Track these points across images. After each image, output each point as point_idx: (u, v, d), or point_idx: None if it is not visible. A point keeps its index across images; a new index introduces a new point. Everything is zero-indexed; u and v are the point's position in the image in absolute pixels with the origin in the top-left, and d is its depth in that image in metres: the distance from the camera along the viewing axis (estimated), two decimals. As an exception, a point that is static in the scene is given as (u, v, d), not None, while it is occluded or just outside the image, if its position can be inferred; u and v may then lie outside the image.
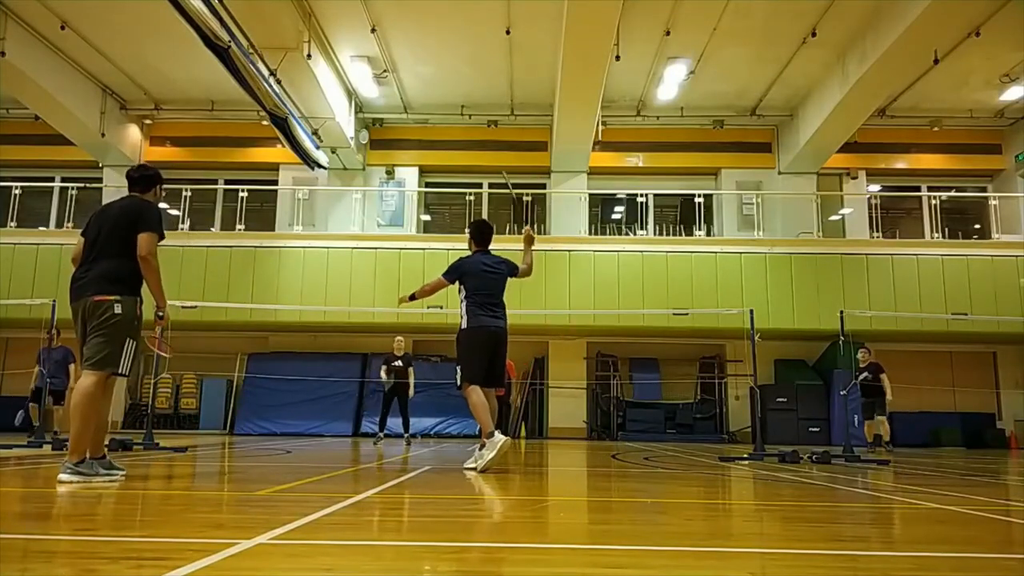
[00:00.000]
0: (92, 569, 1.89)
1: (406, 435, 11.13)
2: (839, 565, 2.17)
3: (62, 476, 3.91)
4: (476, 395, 5.42)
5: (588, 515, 3.32)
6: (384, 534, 2.69)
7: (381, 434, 11.25)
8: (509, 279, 5.91)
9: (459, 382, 5.55)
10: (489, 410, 5.47)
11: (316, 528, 2.59)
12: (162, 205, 16.62)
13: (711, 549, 2.40)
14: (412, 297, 6.00)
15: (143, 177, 4.43)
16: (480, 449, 5.40)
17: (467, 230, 6.13)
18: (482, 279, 5.72)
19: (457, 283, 5.79)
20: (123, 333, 4.07)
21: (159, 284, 4.23)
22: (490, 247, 6.02)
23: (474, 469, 5.32)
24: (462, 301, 5.72)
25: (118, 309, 4.03)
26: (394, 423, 11.40)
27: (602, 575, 1.98)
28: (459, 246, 14.32)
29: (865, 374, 11.07)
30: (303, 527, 2.57)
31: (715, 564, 2.16)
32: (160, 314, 4.35)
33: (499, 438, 5.25)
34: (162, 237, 4.25)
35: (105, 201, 15.53)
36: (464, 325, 5.62)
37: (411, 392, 11.07)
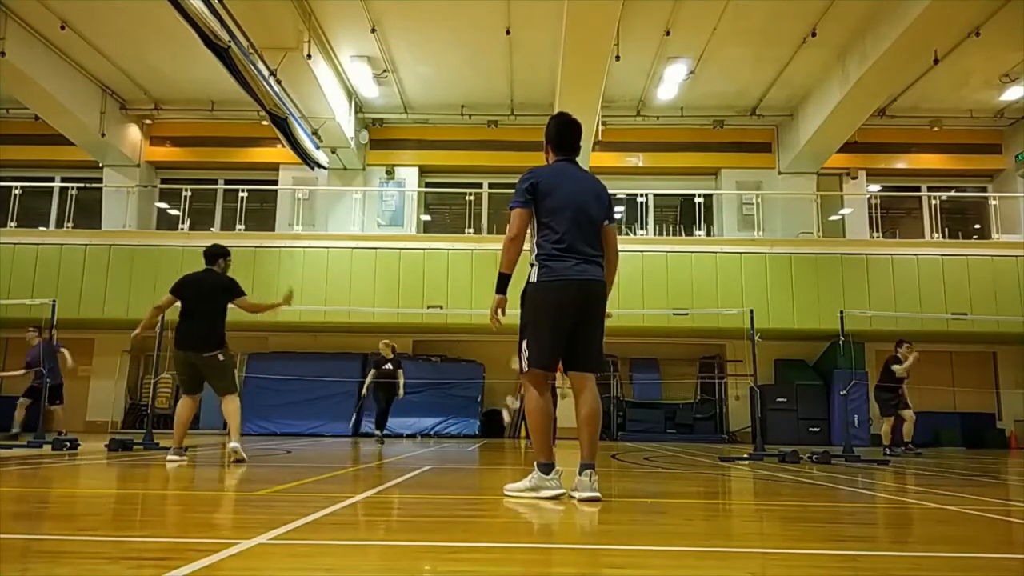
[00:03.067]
0: (92, 569, 1.89)
1: (379, 433, 11.39)
2: (839, 565, 2.17)
3: (233, 446, 5.85)
4: (535, 394, 3.61)
5: (588, 515, 3.32)
6: (384, 534, 2.69)
7: (379, 433, 11.42)
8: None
9: (524, 366, 3.64)
10: (592, 416, 3.57)
11: (316, 528, 2.59)
12: (162, 204, 16.88)
13: (711, 549, 2.40)
14: (503, 283, 3.67)
15: (210, 255, 6.31)
16: (534, 473, 3.63)
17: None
18: (567, 199, 3.65)
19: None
20: (230, 369, 6.18)
21: (265, 307, 6.65)
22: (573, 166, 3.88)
23: (532, 496, 3.61)
24: (532, 239, 3.74)
25: (221, 358, 6.07)
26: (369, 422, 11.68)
27: (602, 575, 1.98)
28: (459, 246, 14.38)
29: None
30: (303, 527, 2.57)
31: (715, 564, 2.16)
32: (285, 303, 6.55)
33: (550, 483, 3.54)
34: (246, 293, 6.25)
35: (104, 201, 15.81)
36: (533, 277, 3.63)
37: (401, 393, 11.35)
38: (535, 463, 3.64)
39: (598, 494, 3.44)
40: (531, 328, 3.63)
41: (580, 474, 3.48)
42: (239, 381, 15.06)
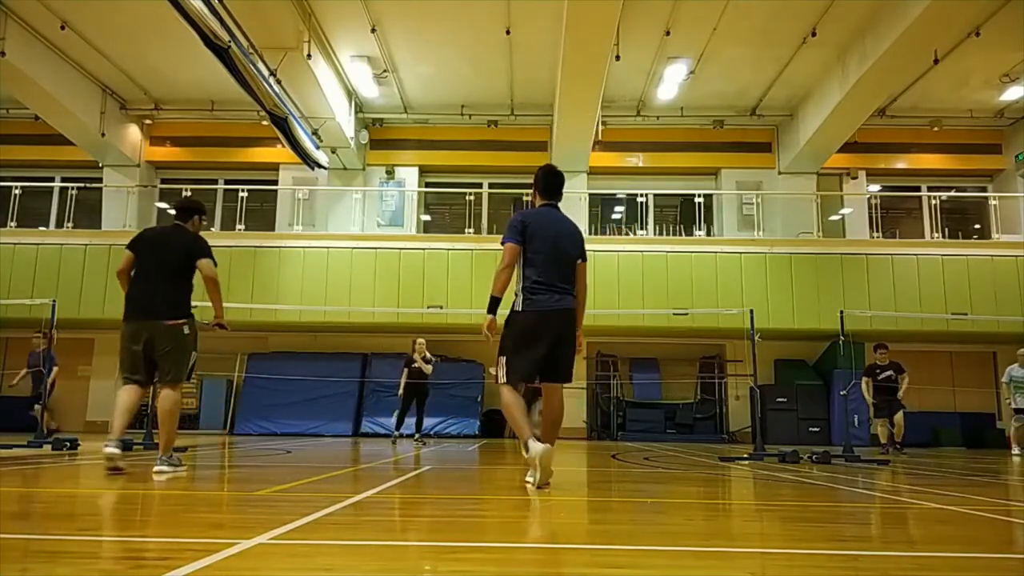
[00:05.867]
0: (92, 569, 1.89)
1: (417, 435, 11.29)
2: (839, 565, 2.17)
3: (161, 468, 4.64)
4: (508, 393, 4.20)
5: (588, 515, 3.32)
6: (384, 534, 2.69)
7: (397, 434, 11.36)
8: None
9: (501, 379, 4.24)
10: (555, 421, 4.33)
11: (316, 528, 2.59)
12: (162, 204, 16.87)
13: (711, 549, 2.40)
14: (493, 305, 4.31)
15: (183, 209, 5.22)
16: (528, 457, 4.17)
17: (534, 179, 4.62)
18: (551, 241, 4.31)
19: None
20: (190, 349, 4.87)
21: (221, 299, 5.03)
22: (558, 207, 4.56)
23: (533, 483, 4.09)
24: (518, 272, 4.34)
25: (187, 331, 4.81)
26: (407, 423, 11.54)
27: (602, 575, 1.98)
28: (459, 246, 14.37)
29: (889, 372, 11.05)
30: (303, 527, 2.57)
31: (715, 564, 2.16)
32: (222, 324, 5.09)
33: (535, 449, 3.96)
34: (215, 263, 5.00)
35: (104, 201, 15.80)
36: (518, 306, 4.26)
37: (428, 369, 11.16)
38: (524, 451, 4.07)
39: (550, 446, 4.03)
40: (511, 349, 4.23)
41: (532, 439, 4.04)
42: (239, 382, 15.23)
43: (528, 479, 4.19)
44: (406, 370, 11.18)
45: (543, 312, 4.19)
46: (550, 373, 4.30)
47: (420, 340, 11.49)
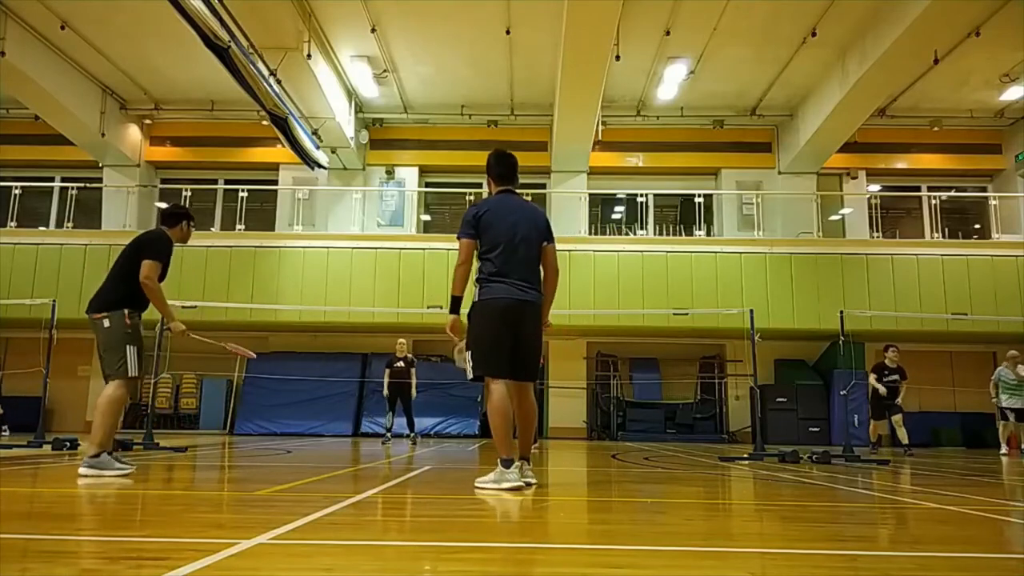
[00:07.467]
0: (92, 569, 1.89)
1: (410, 435, 11.32)
2: (839, 565, 2.17)
3: (83, 470, 4.41)
4: (495, 397, 4.03)
5: (588, 515, 3.32)
6: (384, 534, 2.69)
7: (388, 435, 11.41)
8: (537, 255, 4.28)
9: (469, 374, 4.13)
10: (527, 418, 4.28)
11: (316, 528, 2.59)
12: (162, 204, 16.85)
13: (711, 549, 2.40)
14: (455, 305, 4.19)
15: (170, 215, 5.09)
16: (498, 468, 4.00)
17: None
18: (507, 229, 4.13)
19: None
20: (121, 343, 4.62)
21: (162, 304, 4.76)
22: (518, 191, 4.43)
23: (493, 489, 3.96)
24: (477, 264, 4.22)
25: (107, 324, 4.63)
26: (398, 423, 11.56)
27: (602, 575, 1.98)
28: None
29: (895, 376, 11.02)
30: (303, 527, 2.57)
31: (715, 564, 2.16)
32: (167, 328, 4.87)
33: (510, 476, 3.91)
34: (164, 264, 4.76)
35: (104, 201, 15.81)
36: (476, 296, 4.14)
37: (414, 393, 11.22)
38: (498, 459, 3.99)
39: (531, 481, 4.17)
40: (475, 340, 4.09)
41: (514, 463, 4.07)
42: (239, 382, 15.22)
43: (487, 483, 3.99)
44: (388, 370, 11.31)
45: (501, 300, 4.04)
46: (514, 369, 4.14)
47: (400, 340, 11.55)
